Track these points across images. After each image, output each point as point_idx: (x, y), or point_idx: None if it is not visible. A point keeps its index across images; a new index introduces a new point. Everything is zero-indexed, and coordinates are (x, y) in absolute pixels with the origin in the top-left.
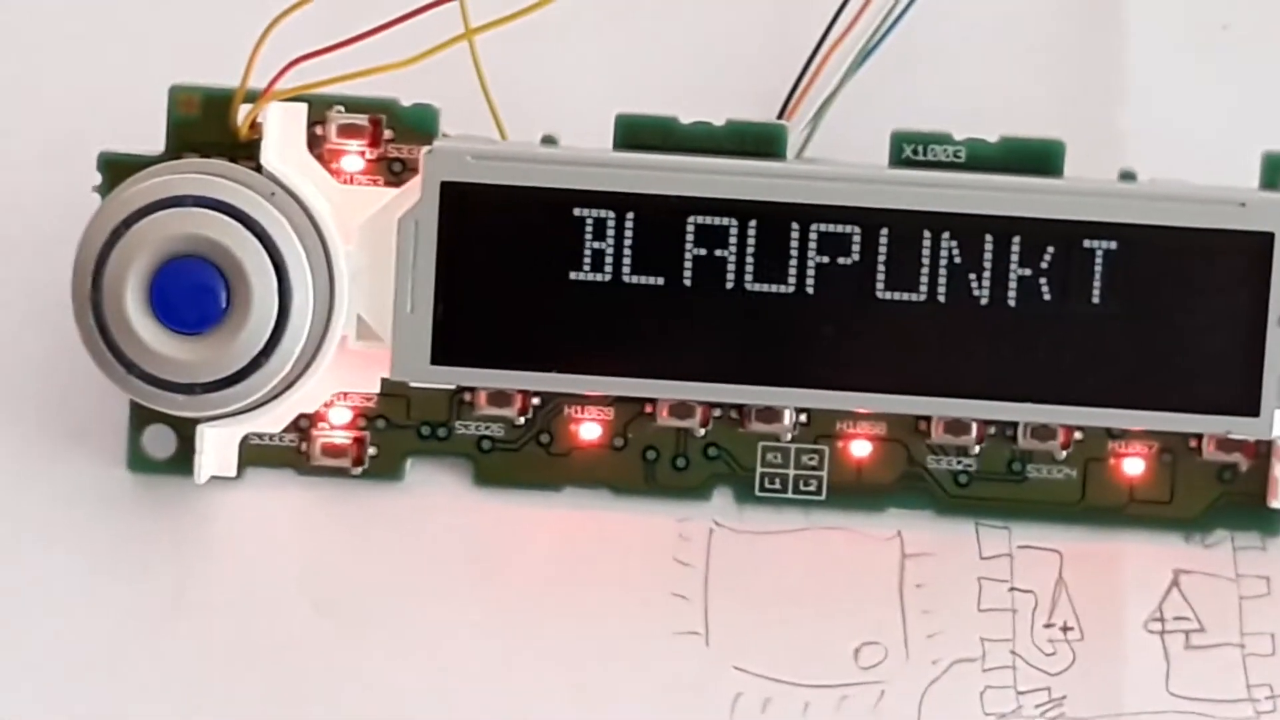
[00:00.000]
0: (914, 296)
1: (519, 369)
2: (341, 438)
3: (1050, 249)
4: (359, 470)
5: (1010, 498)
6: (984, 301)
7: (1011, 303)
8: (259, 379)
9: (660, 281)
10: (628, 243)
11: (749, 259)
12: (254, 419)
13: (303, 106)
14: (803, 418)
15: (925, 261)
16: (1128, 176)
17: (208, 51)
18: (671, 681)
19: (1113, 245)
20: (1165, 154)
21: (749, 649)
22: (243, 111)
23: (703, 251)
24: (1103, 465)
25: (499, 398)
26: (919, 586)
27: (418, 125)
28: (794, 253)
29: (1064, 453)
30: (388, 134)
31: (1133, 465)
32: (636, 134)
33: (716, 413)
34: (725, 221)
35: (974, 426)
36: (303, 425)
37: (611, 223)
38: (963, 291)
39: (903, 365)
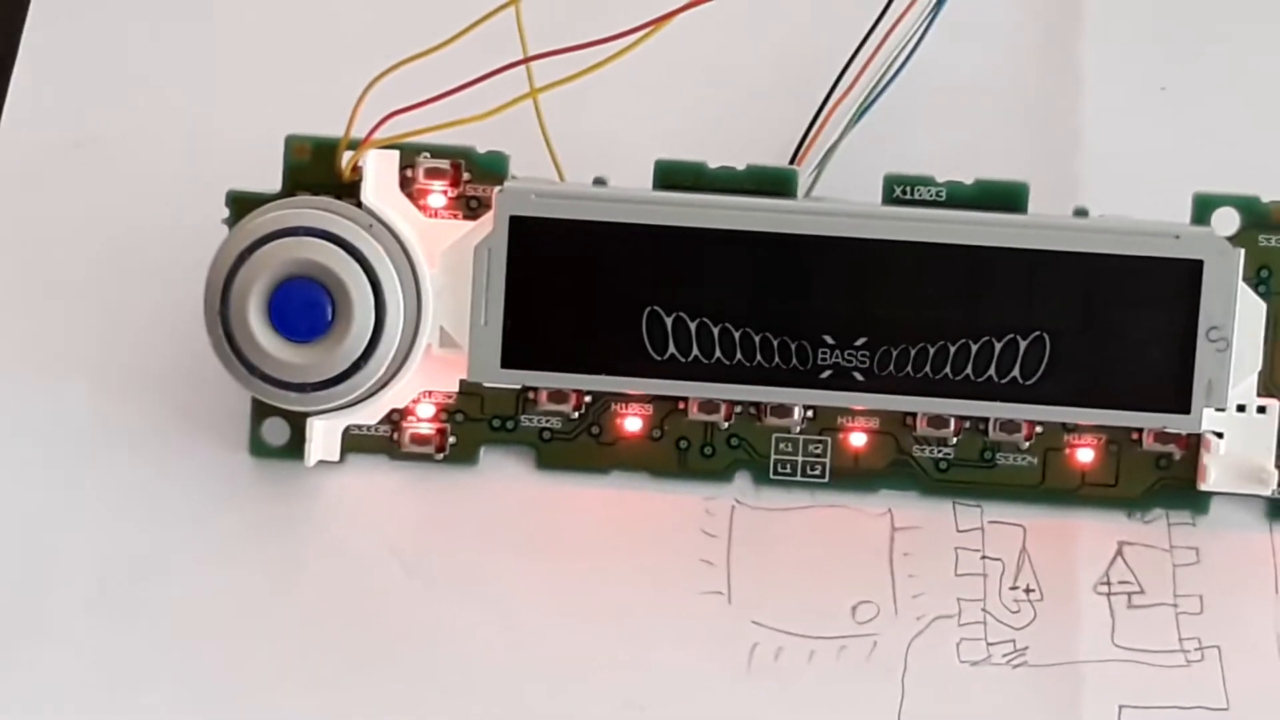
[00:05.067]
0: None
1: (574, 372)
2: (426, 429)
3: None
4: (441, 456)
5: (982, 481)
6: (961, 316)
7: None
8: (359, 379)
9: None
10: (665, 266)
11: (765, 281)
12: (354, 413)
13: (395, 153)
14: (809, 413)
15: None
16: (1081, 213)
17: (317, 107)
18: (699, 633)
19: (1069, 270)
20: (1113, 194)
21: (764, 606)
22: (346, 157)
23: (727, 274)
24: (1059, 454)
25: (557, 396)
26: (906, 555)
27: (491, 169)
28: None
29: (1027, 444)
30: (466, 176)
31: (1084, 454)
32: (672, 176)
33: (738, 409)
34: (746, 249)
35: (952, 421)
36: (394, 418)
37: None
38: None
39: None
